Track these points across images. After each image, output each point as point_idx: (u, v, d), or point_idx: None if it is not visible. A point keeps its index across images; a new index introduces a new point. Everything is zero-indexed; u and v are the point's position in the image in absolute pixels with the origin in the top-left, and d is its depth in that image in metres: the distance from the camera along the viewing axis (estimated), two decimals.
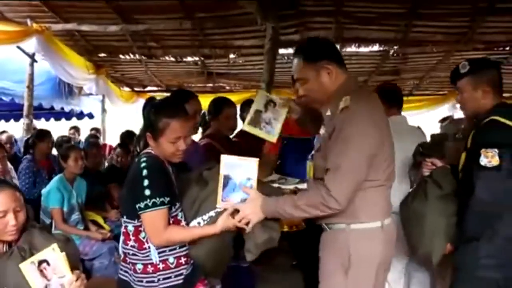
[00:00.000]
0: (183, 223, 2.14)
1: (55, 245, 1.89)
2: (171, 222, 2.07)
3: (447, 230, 2.33)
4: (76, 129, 8.62)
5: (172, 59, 7.89)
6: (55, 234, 2.06)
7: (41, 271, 1.86)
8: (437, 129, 6.50)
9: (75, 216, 3.94)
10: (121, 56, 7.91)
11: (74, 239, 3.63)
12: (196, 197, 2.17)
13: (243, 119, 4.18)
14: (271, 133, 2.33)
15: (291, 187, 2.82)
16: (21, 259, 1.87)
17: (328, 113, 2.07)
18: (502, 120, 2.22)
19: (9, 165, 4.68)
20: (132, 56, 7.84)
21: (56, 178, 3.93)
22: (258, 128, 2.33)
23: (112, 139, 9.05)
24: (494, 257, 2.19)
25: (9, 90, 7.08)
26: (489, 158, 2.13)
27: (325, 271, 2.13)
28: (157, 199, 1.97)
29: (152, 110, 2.09)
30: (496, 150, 2.13)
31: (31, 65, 6.55)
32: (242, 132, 4.14)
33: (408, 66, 8.08)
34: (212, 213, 2.10)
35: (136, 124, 8.41)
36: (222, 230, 2.04)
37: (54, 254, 1.88)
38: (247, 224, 2.06)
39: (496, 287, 2.21)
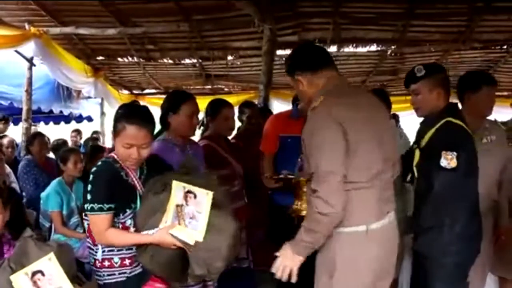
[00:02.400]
0: (132, 229, 2.17)
1: (51, 255, 1.83)
2: (120, 227, 2.15)
3: (400, 226, 2.42)
4: (78, 132, 8.62)
5: (170, 61, 7.92)
6: (50, 242, 2.01)
7: (34, 282, 1.79)
8: None
9: (75, 219, 3.93)
10: (119, 59, 7.93)
11: (73, 242, 3.66)
12: (150, 209, 2.13)
13: (241, 121, 4.21)
14: (197, 229, 2.00)
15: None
16: (11, 273, 1.80)
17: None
18: (455, 121, 2.46)
19: (8, 168, 4.68)
20: (130, 59, 7.86)
21: (55, 181, 3.93)
22: (184, 226, 2.02)
23: (111, 142, 9.04)
24: (454, 244, 2.42)
25: (8, 94, 7.06)
26: (448, 160, 2.34)
27: (316, 274, 2.17)
28: (95, 205, 2.06)
29: (117, 111, 2.22)
30: (455, 153, 2.34)
31: (30, 69, 6.54)
32: (240, 133, 4.17)
33: (406, 66, 8.05)
34: (156, 230, 2.07)
35: None
36: (163, 244, 2.05)
37: (50, 264, 1.82)
38: (290, 274, 2.05)
39: (456, 270, 2.47)
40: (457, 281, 2.51)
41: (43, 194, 3.91)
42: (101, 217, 2.07)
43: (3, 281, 1.79)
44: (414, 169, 2.60)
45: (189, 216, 2.03)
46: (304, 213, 2.69)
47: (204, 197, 2.00)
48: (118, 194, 2.12)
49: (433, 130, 2.49)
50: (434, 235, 2.44)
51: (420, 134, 2.63)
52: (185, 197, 2.03)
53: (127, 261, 2.22)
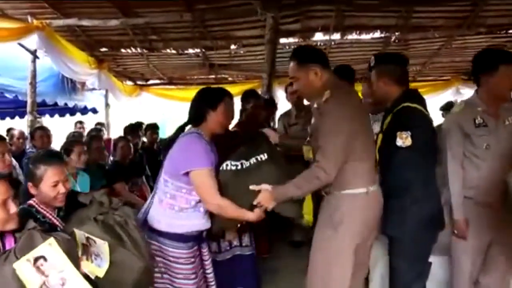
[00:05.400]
0: None
1: (51, 240, 1.86)
2: None
3: None
4: (81, 123, 8.66)
5: (174, 51, 7.90)
6: (54, 233, 2.03)
7: (37, 267, 1.82)
8: (439, 116, 6.48)
9: None
10: (122, 50, 7.93)
11: None
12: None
13: (244, 110, 4.19)
14: (100, 266, 2.15)
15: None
16: None
17: (316, 105, 2.58)
18: (413, 105, 2.63)
19: (14, 161, 4.70)
20: (133, 49, 7.86)
21: None
22: (90, 261, 2.18)
23: (116, 133, 9.08)
24: (414, 224, 2.63)
25: (12, 87, 7.09)
26: (403, 140, 2.54)
27: (319, 227, 2.62)
28: None
29: (30, 161, 2.39)
30: (409, 132, 2.53)
31: (33, 61, 6.56)
32: (241, 121, 4.15)
33: (410, 52, 7.99)
34: None
35: (139, 118, 8.44)
36: None
37: (51, 249, 1.85)
38: (266, 210, 2.62)
39: (416, 249, 2.69)
40: (419, 261, 2.72)
41: None
42: None
43: (10, 272, 1.80)
44: (377, 153, 2.80)
45: (94, 254, 2.17)
46: None
47: (102, 245, 2.14)
48: None
49: (391, 115, 2.71)
50: (395, 216, 2.65)
51: (383, 120, 2.82)
52: (87, 240, 2.16)
53: None
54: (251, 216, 2.63)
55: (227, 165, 2.75)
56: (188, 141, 2.68)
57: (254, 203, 2.59)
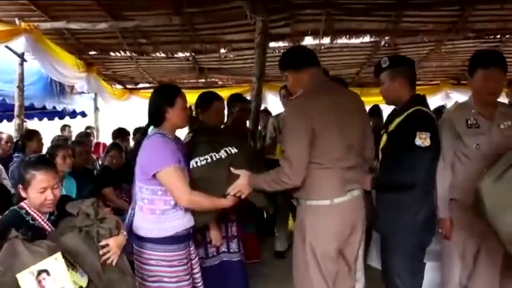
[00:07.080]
0: None
1: (58, 255, 1.86)
2: None
3: None
4: (68, 127, 8.59)
5: (163, 55, 7.87)
6: (38, 242, 2.01)
7: (39, 281, 1.82)
8: None
9: None
10: (111, 53, 7.86)
11: None
12: None
13: (231, 113, 4.18)
14: (83, 276, 2.10)
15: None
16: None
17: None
18: (424, 109, 2.69)
19: None
20: (122, 53, 7.80)
21: None
22: (75, 271, 2.08)
23: (105, 137, 9.02)
24: (411, 224, 2.71)
25: (0, 91, 7.03)
26: (423, 140, 2.55)
27: (294, 238, 2.70)
28: None
29: (21, 164, 2.43)
30: (429, 133, 2.56)
31: (21, 64, 6.50)
32: (228, 126, 4.13)
33: None
34: None
35: (129, 122, 8.39)
36: None
37: (56, 264, 1.85)
38: (240, 196, 2.70)
39: (412, 249, 2.74)
40: (413, 261, 2.75)
41: None
42: None
43: None
44: (379, 152, 2.86)
45: (78, 264, 2.10)
46: None
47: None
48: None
49: (402, 117, 2.71)
50: (393, 215, 2.73)
51: (389, 121, 2.85)
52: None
53: None
54: (226, 202, 2.71)
55: (196, 162, 2.81)
56: (150, 143, 2.67)
57: (230, 189, 2.69)
